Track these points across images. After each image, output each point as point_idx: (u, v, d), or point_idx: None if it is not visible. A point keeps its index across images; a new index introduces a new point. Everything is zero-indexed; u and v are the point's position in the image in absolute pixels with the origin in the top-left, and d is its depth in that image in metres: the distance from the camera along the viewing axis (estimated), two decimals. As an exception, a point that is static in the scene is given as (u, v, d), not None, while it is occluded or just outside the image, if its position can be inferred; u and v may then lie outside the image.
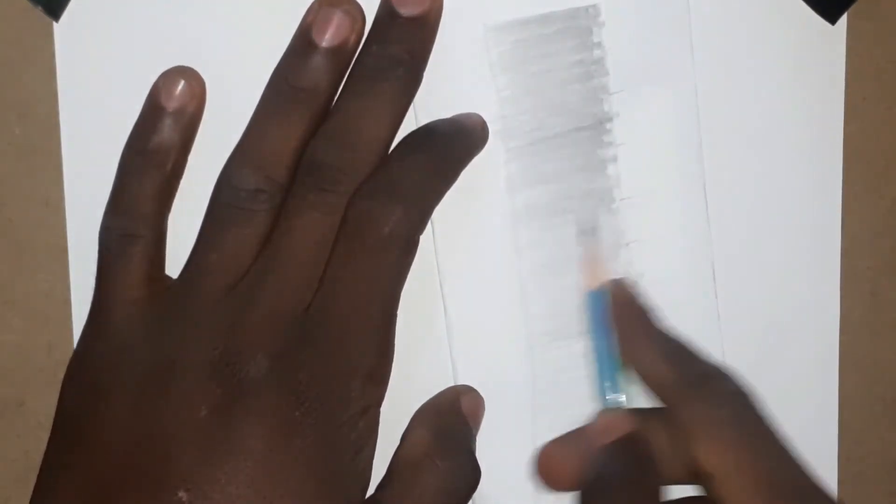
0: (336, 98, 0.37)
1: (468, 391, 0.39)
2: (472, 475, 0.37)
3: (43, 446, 0.36)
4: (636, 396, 0.38)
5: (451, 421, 0.38)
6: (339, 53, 0.37)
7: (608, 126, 0.39)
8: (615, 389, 0.38)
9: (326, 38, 0.37)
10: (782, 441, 0.35)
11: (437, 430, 0.37)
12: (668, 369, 0.37)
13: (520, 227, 0.39)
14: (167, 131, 0.37)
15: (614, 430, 0.37)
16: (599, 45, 0.39)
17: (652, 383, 0.37)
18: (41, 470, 0.36)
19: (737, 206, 0.40)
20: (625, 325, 0.38)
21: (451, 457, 0.36)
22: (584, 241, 0.39)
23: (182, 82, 0.37)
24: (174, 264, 0.37)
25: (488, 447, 0.38)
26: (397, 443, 0.37)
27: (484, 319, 0.39)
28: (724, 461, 0.34)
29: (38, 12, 0.38)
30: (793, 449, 0.35)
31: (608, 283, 0.39)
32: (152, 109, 0.37)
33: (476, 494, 0.37)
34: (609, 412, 0.38)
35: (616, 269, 0.40)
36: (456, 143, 0.38)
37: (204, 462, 0.33)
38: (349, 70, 0.37)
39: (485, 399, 0.39)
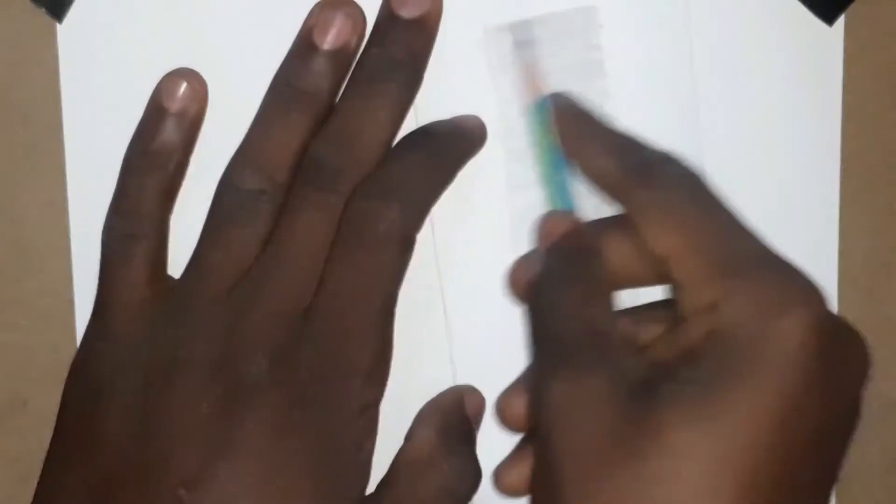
0: (338, 100, 0.37)
1: (471, 392, 0.39)
2: (474, 477, 0.37)
3: (46, 445, 0.36)
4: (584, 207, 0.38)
5: (456, 422, 0.38)
6: (341, 56, 0.37)
7: (607, 127, 0.39)
8: (565, 201, 0.38)
9: (328, 41, 0.37)
10: (734, 216, 0.33)
11: (442, 430, 0.37)
12: (612, 161, 0.35)
13: (520, 227, 0.39)
14: (170, 132, 0.37)
15: (556, 229, 0.36)
16: (598, 46, 0.39)
17: (598, 179, 0.36)
18: (44, 468, 0.36)
19: (736, 206, 0.40)
20: (567, 126, 0.37)
21: (454, 458, 0.36)
22: (521, 54, 0.39)
23: (185, 84, 0.37)
24: (176, 264, 0.38)
25: (488, 447, 0.38)
26: (397, 442, 0.37)
27: (484, 319, 0.39)
28: (676, 242, 0.33)
29: (42, 13, 0.38)
30: (745, 222, 0.33)
31: (549, 95, 0.38)
32: (155, 111, 0.37)
33: (476, 495, 0.37)
34: (550, 214, 0.37)
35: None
36: (454, 143, 0.38)
37: (204, 460, 0.33)
38: (350, 72, 0.37)
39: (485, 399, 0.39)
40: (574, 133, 0.37)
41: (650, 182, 0.34)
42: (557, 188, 0.38)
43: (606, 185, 0.36)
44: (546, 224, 0.37)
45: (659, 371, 0.32)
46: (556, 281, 0.35)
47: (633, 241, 0.34)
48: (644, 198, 0.34)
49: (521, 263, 0.38)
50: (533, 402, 0.34)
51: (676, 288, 0.33)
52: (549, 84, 0.39)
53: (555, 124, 0.37)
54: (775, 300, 0.31)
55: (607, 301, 0.34)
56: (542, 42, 0.39)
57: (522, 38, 0.39)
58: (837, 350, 0.31)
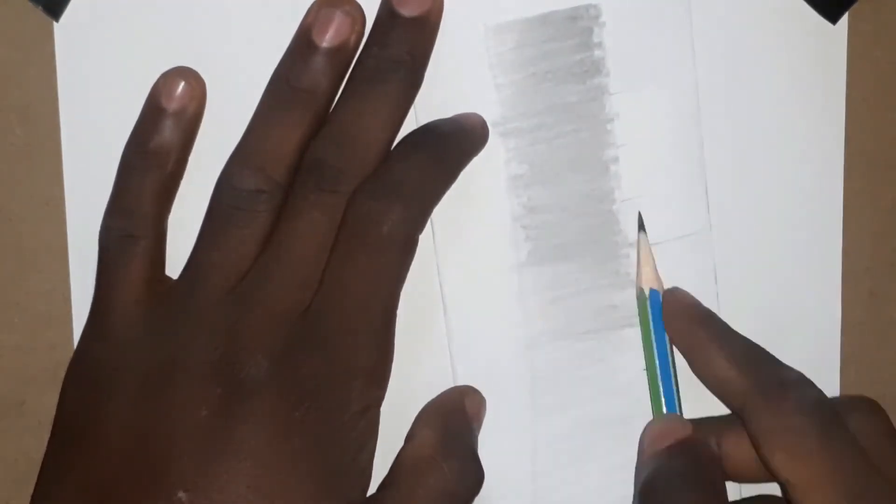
0: (337, 99, 0.37)
1: (472, 392, 0.39)
2: (476, 477, 0.37)
3: (44, 446, 0.36)
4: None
5: (457, 422, 0.38)
6: (340, 54, 0.37)
7: (609, 127, 0.39)
8: (672, 405, 0.38)
9: (327, 39, 0.37)
10: (859, 447, 0.34)
11: (443, 431, 0.37)
12: (741, 376, 0.36)
13: (520, 228, 0.39)
14: (168, 132, 0.37)
15: (669, 435, 0.36)
16: (600, 45, 0.39)
17: (722, 391, 0.37)
18: (41, 470, 0.36)
19: (738, 206, 0.40)
20: (685, 329, 0.38)
21: (456, 459, 0.36)
22: (641, 238, 0.39)
23: (182, 83, 0.37)
24: (175, 264, 0.37)
25: (488, 447, 0.38)
26: (398, 442, 0.37)
27: (484, 319, 0.39)
28: (804, 472, 0.34)
29: (39, 12, 0.38)
30: (871, 462, 0.34)
31: (662, 289, 0.39)
32: (153, 110, 0.37)
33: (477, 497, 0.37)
34: (662, 419, 0.38)
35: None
36: (456, 142, 0.38)
37: (204, 462, 0.33)
38: (350, 71, 0.37)
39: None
40: (695, 339, 0.37)
41: (779, 405, 0.35)
42: (665, 387, 0.38)
43: (729, 396, 0.36)
44: (658, 428, 0.37)
45: None
46: (675, 484, 0.35)
47: (748, 447, 0.35)
48: (771, 420, 0.35)
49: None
50: None
51: None
52: (665, 277, 0.39)
53: (669, 324, 0.38)
54: None
55: None
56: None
57: (642, 222, 0.39)
58: None
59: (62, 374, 0.37)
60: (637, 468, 0.37)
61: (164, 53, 0.38)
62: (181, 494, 0.33)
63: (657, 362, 0.38)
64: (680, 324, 0.38)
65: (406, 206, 0.36)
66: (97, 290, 0.37)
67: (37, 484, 0.36)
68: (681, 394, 0.38)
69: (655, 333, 0.38)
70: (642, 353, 0.39)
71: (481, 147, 0.39)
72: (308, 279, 0.35)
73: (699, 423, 0.38)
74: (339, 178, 0.36)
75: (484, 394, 0.39)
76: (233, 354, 0.34)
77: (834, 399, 0.36)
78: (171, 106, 0.37)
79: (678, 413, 0.38)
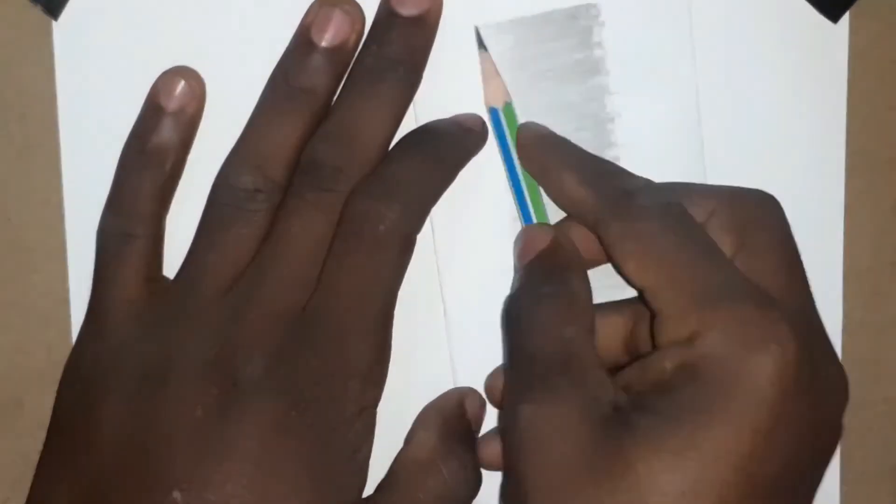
0: (336, 98, 0.37)
1: (471, 394, 0.39)
2: (475, 480, 0.37)
3: (41, 446, 0.36)
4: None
5: (456, 424, 0.38)
6: (339, 53, 0.37)
7: (609, 127, 0.39)
8: (528, 216, 0.38)
9: (326, 38, 0.37)
10: (711, 246, 0.33)
11: (443, 433, 0.37)
12: (590, 192, 0.36)
13: (520, 228, 0.39)
14: (166, 131, 0.37)
15: (534, 246, 0.36)
16: (600, 44, 0.39)
17: (575, 210, 0.36)
18: (38, 469, 0.36)
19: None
20: (536, 155, 0.37)
21: (455, 460, 0.36)
22: (482, 55, 0.38)
23: (182, 82, 0.37)
24: (173, 264, 0.37)
25: (487, 448, 0.38)
26: (397, 443, 0.37)
27: (484, 319, 0.39)
28: (654, 275, 0.33)
29: (37, 11, 0.38)
30: (720, 252, 0.33)
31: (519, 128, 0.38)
32: (152, 109, 0.37)
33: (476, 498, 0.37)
34: (529, 228, 0.37)
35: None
36: (455, 142, 0.38)
37: (199, 462, 0.33)
38: (349, 70, 0.37)
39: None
40: (546, 164, 0.37)
41: (625, 213, 0.34)
42: (518, 200, 0.38)
43: (582, 215, 0.36)
44: (524, 238, 0.37)
45: (630, 399, 0.32)
46: (534, 298, 0.35)
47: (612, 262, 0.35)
48: (620, 229, 0.34)
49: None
50: (504, 418, 0.34)
51: (654, 316, 0.33)
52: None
53: (523, 154, 0.38)
54: (749, 336, 0.31)
55: (585, 321, 0.34)
56: (527, 42, 0.38)
57: (480, 38, 0.38)
58: (812, 383, 0.31)
59: (60, 374, 0.37)
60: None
61: (163, 53, 0.38)
62: (176, 494, 0.33)
63: (508, 176, 0.38)
64: (531, 150, 0.38)
65: (404, 205, 0.35)
66: (94, 290, 0.37)
67: (33, 483, 0.36)
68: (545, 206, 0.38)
69: (502, 149, 0.38)
70: None
71: (480, 147, 0.39)
72: (305, 279, 0.35)
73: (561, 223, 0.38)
74: (336, 177, 0.36)
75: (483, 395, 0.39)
76: (229, 354, 0.34)
77: (713, 187, 0.36)
78: (171, 105, 0.37)
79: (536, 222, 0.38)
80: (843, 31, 0.40)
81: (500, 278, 0.39)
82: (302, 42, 0.37)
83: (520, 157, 0.38)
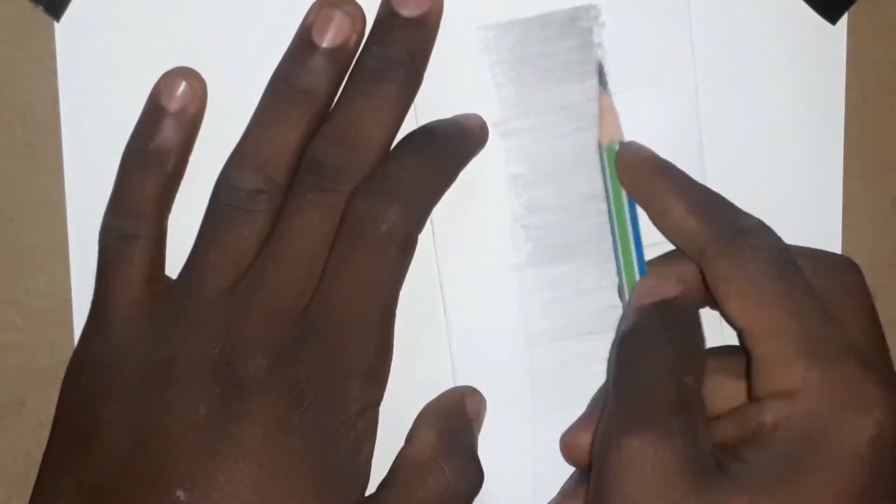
0: (337, 98, 0.37)
1: (472, 392, 0.39)
2: (476, 478, 0.37)
3: (43, 446, 0.36)
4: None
5: (457, 423, 0.38)
6: (340, 54, 0.37)
7: (609, 126, 0.39)
8: (641, 266, 0.37)
9: (327, 39, 0.37)
10: (816, 297, 0.34)
11: (443, 432, 0.37)
12: (699, 224, 0.35)
13: (519, 228, 0.39)
14: (168, 132, 0.37)
15: (658, 292, 0.36)
16: (600, 45, 0.39)
17: (681, 240, 0.36)
18: (41, 469, 0.36)
19: (738, 205, 0.40)
20: (642, 180, 0.37)
21: (456, 459, 0.36)
22: (601, 91, 0.38)
23: (183, 83, 0.37)
24: (174, 264, 0.37)
25: (488, 447, 0.38)
26: (398, 442, 0.37)
27: (484, 319, 0.39)
28: (757, 318, 0.33)
29: (39, 12, 0.38)
30: (826, 309, 0.34)
31: (621, 146, 0.38)
32: (153, 110, 0.37)
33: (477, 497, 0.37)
34: (654, 274, 0.37)
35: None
36: (456, 142, 0.38)
37: (202, 462, 0.33)
38: (350, 71, 0.37)
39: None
40: (654, 185, 0.37)
41: (736, 251, 0.34)
42: (636, 247, 0.38)
43: (688, 245, 0.36)
44: (650, 284, 0.36)
45: (729, 448, 0.33)
46: (658, 338, 0.35)
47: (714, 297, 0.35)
48: (727, 266, 0.34)
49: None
50: (600, 444, 0.34)
51: (752, 359, 0.34)
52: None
53: (626, 176, 0.37)
54: (851, 397, 0.32)
55: (701, 373, 0.35)
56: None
57: (602, 75, 0.38)
58: None
59: (62, 373, 0.37)
60: (619, 323, 0.37)
61: (164, 53, 0.38)
62: (180, 493, 0.33)
63: (613, 215, 0.38)
64: (636, 175, 0.37)
65: (405, 205, 0.36)
66: (97, 290, 0.37)
67: (36, 483, 0.36)
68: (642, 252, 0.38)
69: (608, 186, 0.38)
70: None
71: (481, 147, 0.39)
72: (307, 279, 0.35)
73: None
74: (338, 177, 0.36)
75: (484, 394, 0.39)
76: (231, 354, 0.34)
77: (801, 249, 0.36)
78: (172, 106, 0.37)
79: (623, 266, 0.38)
80: (841, 33, 0.40)
81: (500, 278, 0.39)
82: (303, 43, 0.37)
83: (620, 179, 0.37)
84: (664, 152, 0.39)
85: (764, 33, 0.40)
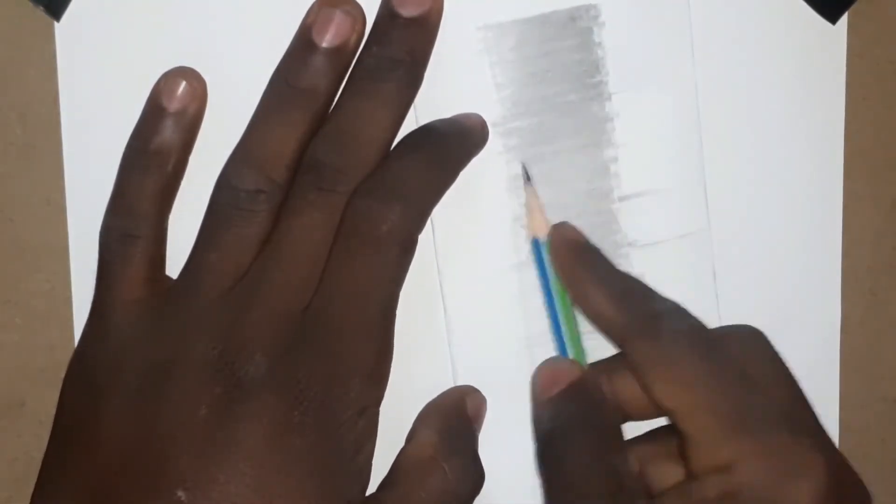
0: (337, 99, 0.37)
1: (472, 392, 0.39)
2: (476, 478, 0.37)
3: (44, 446, 0.36)
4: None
5: (457, 423, 0.38)
6: (340, 54, 0.37)
7: (609, 126, 0.39)
8: (563, 349, 0.38)
9: (327, 39, 0.37)
10: (740, 370, 0.35)
11: (444, 431, 0.37)
12: (617, 311, 0.36)
13: (520, 228, 0.39)
14: (168, 132, 0.37)
15: (560, 378, 0.36)
16: (600, 44, 0.39)
17: (602, 326, 0.37)
18: (41, 469, 0.36)
19: (737, 206, 0.40)
20: (568, 267, 0.37)
21: (456, 459, 0.36)
22: (527, 188, 0.39)
23: (183, 83, 0.37)
24: (174, 264, 0.37)
25: (488, 447, 0.38)
26: (397, 442, 0.37)
27: (484, 319, 0.39)
28: (684, 399, 0.34)
29: (40, 12, 0.38)
30: (750, 381, 0.34)
31: (553, 226, 0.38)
32: (153, 110, 0.37)
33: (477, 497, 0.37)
34: (550, 361, 0.37)
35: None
36: (456, 142, 0.38)
37: (203, 462, 0.33)
38: (350, 70, 0.37)
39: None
40: (576, 277, 0.37)
41: (655, 336, 0.35)
42: (554, 331, 0.38)
43: (609, 331, 0.36)
44: (549, 370, 0.37)
45: None
46: (572, 430, 0.35)
47: (637, 382, 0.35)
48: (649, 351, 0.35)
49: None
50: None
51: (685, 438, 0.34)
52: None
53: (554, 261, 0.38)
54: (787, 464, 0.33)
55: (623, 448, 0.35)
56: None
57: (527, 173, 0.39)
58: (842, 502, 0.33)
59: (62, 373, 0.37)
60: (532, 414, 0.37)
61: (164, 53, 0.38)
62: (180, 493, 0.33)
63: (547, 306, 0.38)
64: (561, 262, 0.38)
65: (405, 205, 0.36)
66: (97, 290, 0.37)
67: (37, 483, 0.36)
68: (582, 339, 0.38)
69: (542, 279, 0.38)
70: None
71: (481, 147, 0.39)
72: (307, 279, 0.35)
73: (591, 365, 0.38)
74: (338, 177, 0.36)
75: (484, 393, 0.39)
76: (232, 354, 0.34)
77: (714, 329, 0.37)
78: (172, 106, 0.37)
79: (569, 356, 0.38)
80: (841, 33, 0.40)
81: (500, 278, 0.39)
82: (303, 42, 0.37)
83: (552, 260, 0.38)
84: (664, 152, 0.39)
85: (764, 33, 0.40)
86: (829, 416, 0.41)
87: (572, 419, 0.35)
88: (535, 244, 0.38)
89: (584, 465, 0.34)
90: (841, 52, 0.40)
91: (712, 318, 0.40)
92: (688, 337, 0.35)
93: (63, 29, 0.38)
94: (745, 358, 0.35)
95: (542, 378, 0.37)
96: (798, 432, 0.34)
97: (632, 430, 0.37)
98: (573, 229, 0.38)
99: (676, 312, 0.36)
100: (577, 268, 0.37)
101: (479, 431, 0.39)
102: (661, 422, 0.37)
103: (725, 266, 0.40)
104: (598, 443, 0.35)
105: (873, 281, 0.41)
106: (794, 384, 0.36)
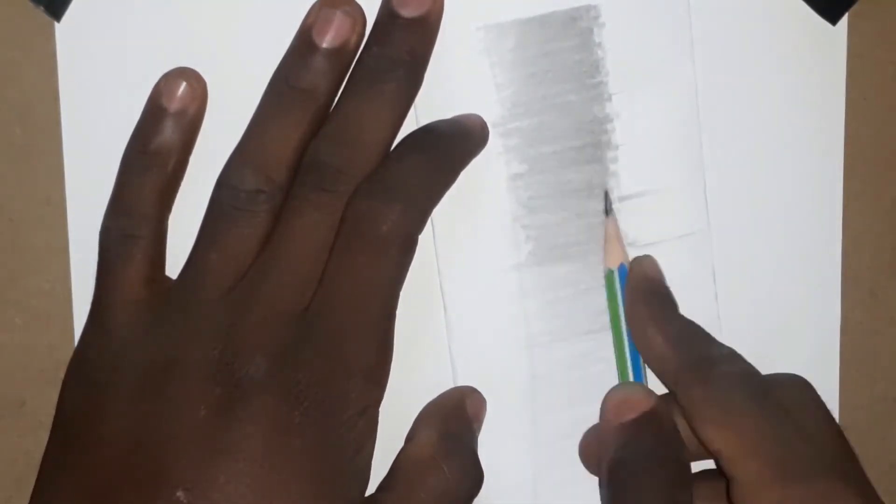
0: (337, 99, 0.37)
1: (472, 392, 0.39)
2: (476, 478, 0.37)
3: (43, 446, 0.36)
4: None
5: (457, 423, 0.38)
6: (340, 54, 0.37)
7: (608, 127, 0.39)
8: (639, 374, 0.39)
9: (327, 39, 0.37)
10: (788, 417, 0.35)
11: (444, 432, 0.37)
12: (673, 352, 0.37)
13: (519, 228, 0.39)
14: (168, 132, 0.37)
15: (634, 406, 0.36)
16: (600, 45, 0.39)
17: (656, 366, 0.37)
18: (41, 470, 0.36)
19: (737, 206, 0.40)
20: (634, 308, 0.38)
21: (456, 459, 0.36)
22: (609, 219, 0.39)
23: (184, 83, 0.37)
24: (174, 264, 0.37)
25: (488, 447, 0.38)
26: (397, 442, 0.37)
27: (484, 319, 0.39)
28: (732, 442, 0.34)
29: (40, 12, 0.38)
30: (798, 428, 0.35)
31: (629, 262, 0.39)
32: (154, 110, 0.37)
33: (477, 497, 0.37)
34: (625, 387, 0.38)
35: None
36: (456, 143, 0.38)
37: (203, 462, 0.33)
38: (350, 71, 0.37)
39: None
40: (639, 318, 0.38)
41: (707, 378, 0.36)
42: (632, 355, 0.39)
43: (662, 371, 0.37)
44: (621, 398, 0.37)
45: None
46: (643, 462, 0.35)
47: (687, 424, 0.36)
48: (700, 394, 0.35)
49: (593, 435, 0.39)
50: None
51: (732, 481, 0.35)
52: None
53: (628, 294, 0.38)
54: None
55: (690, 484, 0.35)
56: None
57: (609, 203, 0.39)
58: None
59: (62, 374, 0.37)
60: (601, 438, 0.37)
61: (165, 54, 0.38)
62: (180, 494, 0.33)
63: (615, 332, 0.39)
64: (634, 296, 0.38)
65: (406, 206, 0.36)
66: (97, 290, 0.37)
67: (36, 483, 0.36)
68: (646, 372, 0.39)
69: (611, 306, 0.39)
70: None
71: (481, 147, 0.39)
72: (307, 279, 0.35)
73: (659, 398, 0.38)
74: (338, 177, 0.36)
75: (484, 394, 0.39)
76: (232, 354, 0.34)
77: (764, 375, 0.37)
78: (173, 106, 0.37)
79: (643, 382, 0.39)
80: (841, 33, 0.40)
81: (500, 278, 0.39)
82: (303, 43, 0.37)
83: (626, 299, 0.38)
84: (664, 153, 0.39)
85: (764, 33, 0.40)
86: (828, 416, 0.41)
87: (644, 450, 0.36)
88: (611, 274, 0.39)
89: (653, 493, 0.34)
90: (841, 52, 0.40)
91: (712, 318, 0.40)
92: (739, 381, 0.36)
93: (63, 29, 0.38)
94: (793, 405, 0.36)
95: (615, 403, 0.37)
96: (846, 481, 0.34)
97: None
98: (653, 266, 0.39)
99: (731, 357, 0.37)
100: (644, 306, 0.38)
101: (478, 432, 0.39)
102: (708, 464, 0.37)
103: (725, 266, 0.40)
104: (668, 478, 0.35)
105: (873, 281, 0.41)
106: (841, 433, 0.36)
